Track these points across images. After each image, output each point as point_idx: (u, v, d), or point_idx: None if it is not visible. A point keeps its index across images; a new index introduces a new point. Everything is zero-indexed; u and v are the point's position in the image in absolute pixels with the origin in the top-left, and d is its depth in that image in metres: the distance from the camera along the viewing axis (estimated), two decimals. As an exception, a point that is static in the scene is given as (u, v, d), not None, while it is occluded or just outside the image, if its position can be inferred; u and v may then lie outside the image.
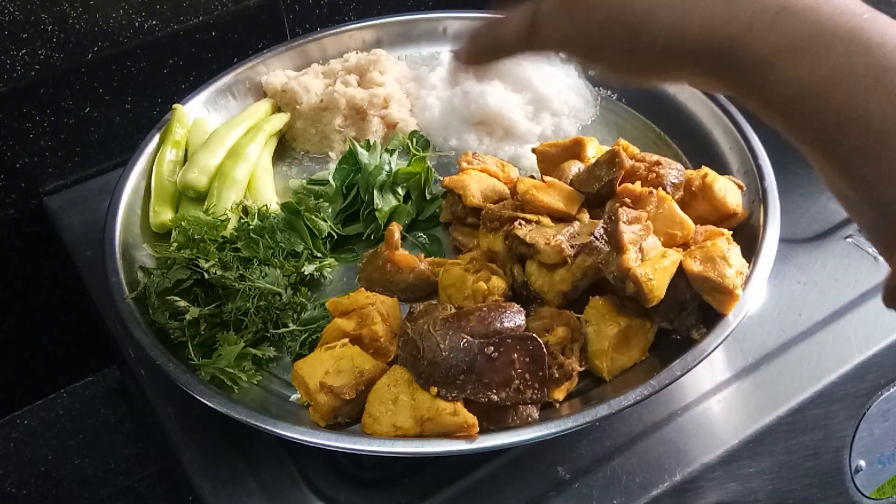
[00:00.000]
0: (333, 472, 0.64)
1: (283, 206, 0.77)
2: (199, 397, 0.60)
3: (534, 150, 0.78)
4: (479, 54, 0.53)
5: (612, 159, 0.70)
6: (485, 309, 0.60)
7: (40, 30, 0.82)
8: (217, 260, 0.69)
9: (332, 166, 0.84)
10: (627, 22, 0.41)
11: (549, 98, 0.88)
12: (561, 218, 0.69)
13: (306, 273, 0.73)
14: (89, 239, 0.85)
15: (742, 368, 0.70)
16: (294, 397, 0.64)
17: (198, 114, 0.87)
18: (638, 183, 0.69)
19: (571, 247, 0.63)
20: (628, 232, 0.61)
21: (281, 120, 0.88)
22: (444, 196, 0.79)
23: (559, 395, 0.60)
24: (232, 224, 0.74)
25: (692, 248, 0.63)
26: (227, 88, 0.90)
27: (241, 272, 0.69)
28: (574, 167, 0.73)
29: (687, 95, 0.86)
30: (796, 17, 0.36)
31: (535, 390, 0.57)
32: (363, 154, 0.81)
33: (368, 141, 0.85)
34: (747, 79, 0.38)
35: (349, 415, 0.61)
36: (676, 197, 0.69)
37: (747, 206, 0.72)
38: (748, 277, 0.64)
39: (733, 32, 0.37)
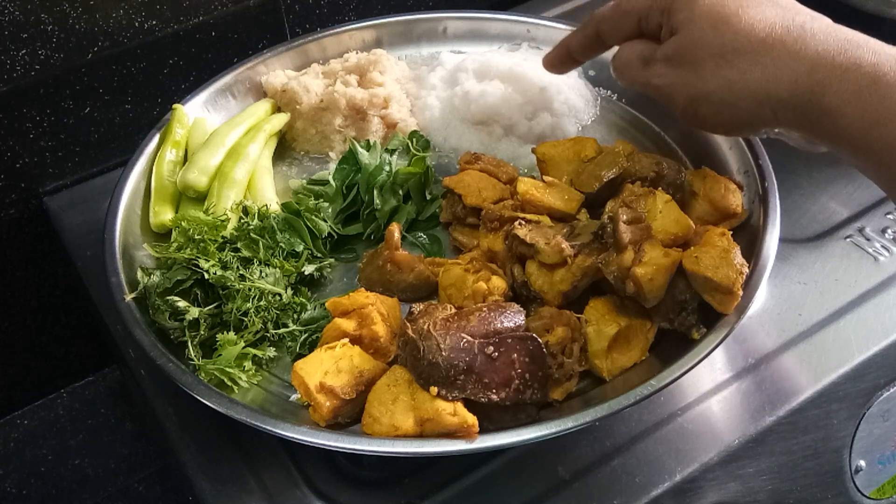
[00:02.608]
0: (333, 472, 0.64)
1: (283, 206, 0.77)
2: (199, 397, 0.60)
3: (534, 150, 0.78)
4: (581, 48, 0.66)
5: (612, 159, 0.70)
6: (485, 309, 0.60)
7: (40, 30, 0.82)
8: (217, 260, 0.69)
9: (332, 166, 0.84)
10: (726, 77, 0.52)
11: (549, 98, 0.88)
12: (561, 218, 0.69)
13: (306, 273, 0.73)
14: (89, 239, 0.85)
15: (742, 368, 0.70)
16: (294, 397, 0.64)
17: (198, 114, 0.87)
18: (638, 183, 0.69)
19: (571, 247, 0.63)
20: (628, 232, 0.61)
21: (281, 120, 0.88)
22: (444, 196, 0.79)
23: (559, 395, 0.60)
24: (232, 224, 0.74)
25: (692, 248, 0.63)
26: (227, 88, 0.90)
27: (241, 272, 0.69)
28: (574, 167, 0.74)
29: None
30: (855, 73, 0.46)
31: (535, 390, 0.57)
32: (363, 154, 0.81)
33: (368, 141, 0.85)
34: (821, 123, 0.47)
35: (349, 415, 0.61)
36: (676, 197, 0.69)
37: (747, 206, 0.72)
38: (748, 277, 0.64)
39: (811, 87, 0.48)
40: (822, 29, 0.49)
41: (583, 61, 0.70)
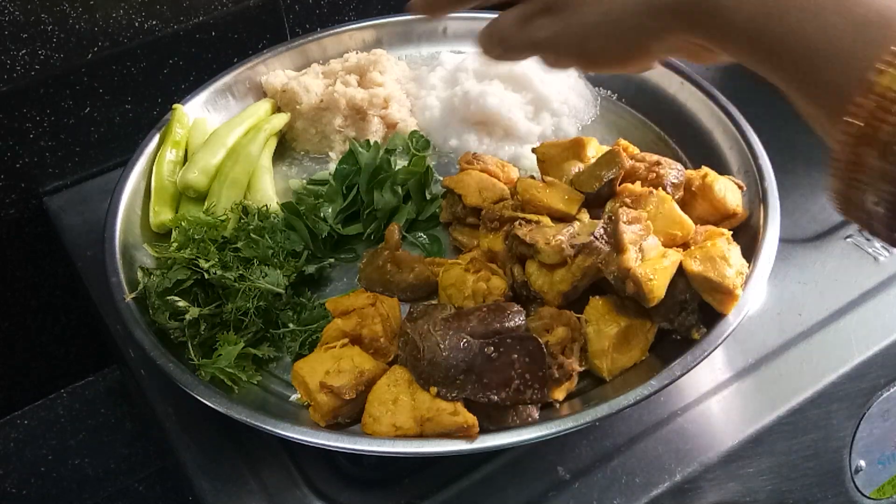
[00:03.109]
0: (333, 472, 0.64)
1: (283, 206, 0.77)
2: (199, 397, 0.60)
3: (534, 150, 0.78)
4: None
5: (612, 159, 0.70)
6: (485, 309, 0.60)
7: (40, 30, 0.82)
8: (217, 260, 0.69)
9: (332, 166, 0.84)
10: None
11: (549, 98, 0.88)
12: (561, 218, 0.69)
13: (306, 273, 0.73)
14: (89, 239, 0.85)
15: (742, 368, 0.70)
16: (294, 397, 0.64)
17: (198, 114, 0.87)
18: (638, 183, 0.69)
19: (571, 247, 0.63)
20: (628, 232, 0.61)
21: (281, 120, 0.88)
22: (444, 196, 0.79)
23: (559, 395, 0.60)
24: (232, 224, 0.74)
25: (692, 248, 0.63)
26: (227, 88, 0.90)
27: (241, 272, 0.69)
28: (574, 167, 0.74)
29: (687, 95, 0.86)
30: None
31: (535, 390, 0.57)
32: (363, 154, 0.81)
33: (368, 141, 0.85)
34: (714, 23, 0.44)
35: (349, 415, 0.61)
36: (676, 197, 0.69)
37: (747, 206, 0.72)
38: (748, 277, 0.64)
39: None
40: None
41: (451, 11, 0.64)
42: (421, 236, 0.79)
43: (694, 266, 0.61)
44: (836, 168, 0.37)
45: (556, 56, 0.56)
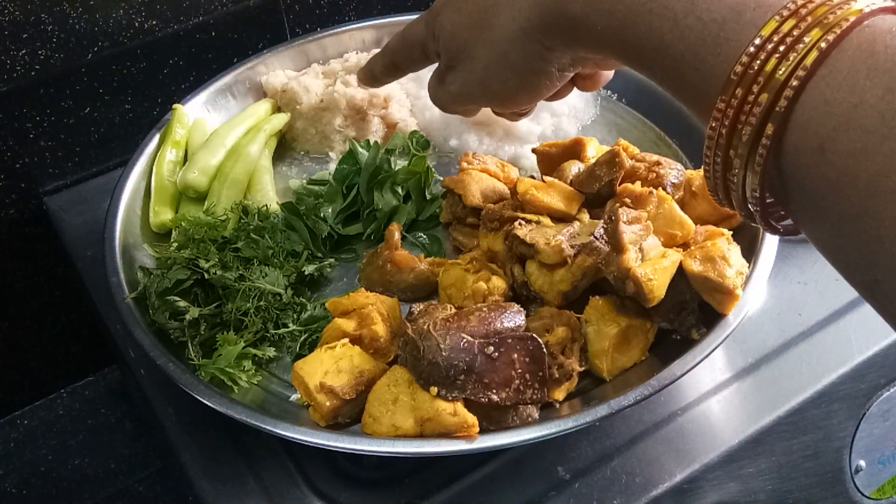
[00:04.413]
0: (333, 472, 0.64)
1: (283, 206, 0.77)
2: (199, 397, 0.60)
3: (534, 150, 0.78)
4: (383, 72, 0.66)
5: (612, 159, 0.70)
6: (485, 309, 0.60)
7: (40, 30, 0.82)
8: (217, 260, 0.69)
9: (332, 166, 0.84)
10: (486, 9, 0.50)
11: (549, 98, 0.88)
12: (561, 218, 0.69)
13: (306, 273, 0.73)
14: (89, 239, 0.85)
15: (742, 368, 0.70)
16: (294, 397, 0.64)
17: (198, 114, 0.87)
18: (638, 183, 0.69)
19: (571, 247, 0.63)
20: (628, 232, 0.61)
21: (281, 120, 0.88)
22: (444, 196, 0.79)
23: (559, 395, 0.60)
24: (232, 224, 0.74)
25: (692, 248, 0.63)
26: (227, 88, 0.90)
27: (241, 272, 0.69)
28: (574, 167, 0.73)
29: (687, 95, 0.85)
30: None
31: (535, 390, 0.57)
32: (363, 154, 0.81)
33: (368, 141, 0.85)
34: (584, 38, 0.45)
35: (349, 415, 0.61)
36: (676, 197, 0.69)
37: (747, 206, 0.72)
38: (748, 277, 0.64)
39: (552, 3, 0.45)
40: None
41: (390, 82, 0.72)
42: (421, 236, 0.79)
43: (694, 266, 0.61)
44: (707, 166, 0.37)
45: (474, 103, 0.59)
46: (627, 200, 0.67)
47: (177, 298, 0.67)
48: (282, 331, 0.69)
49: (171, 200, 0.80)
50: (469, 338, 0.57)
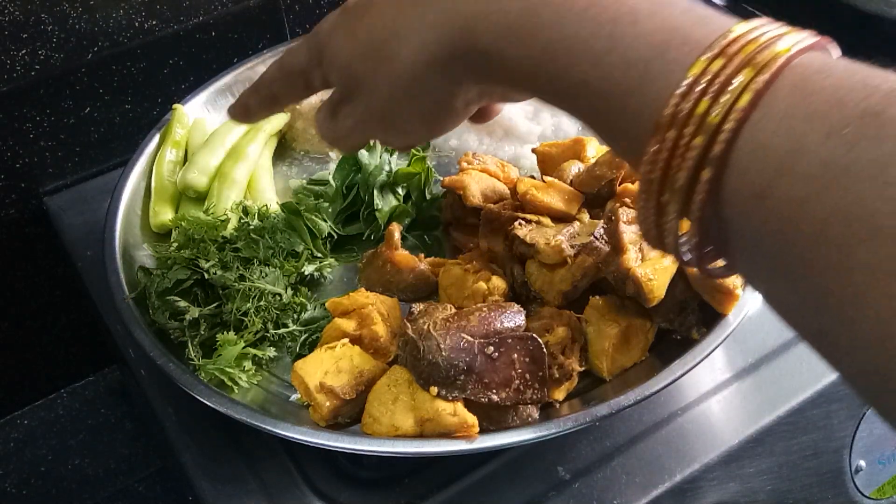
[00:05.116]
0: (333, 472, 0.64)
1: (283, 206, 0.77)
2: (199, 397, 0.60)
3: (534, 150, 0.78)
4: (257, 103, 0.59)
5: (612, 159, 0.70)
6: (485, 309, 0.60)
7: (40, 30, 0.82)
8: (217, 260, 0.69)
9: (332, 166, 0.84)
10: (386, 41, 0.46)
11: (549, 98, 0.88)
12: (561, 218, 0.69)
13: (306, 273, 0.73)
14: (89, 239, 0.85)
15: (742, 368, 0.70)
16: (294, 397, 0.64)
17: (198, 114, 0.87)
18: (638, 183, 0.69)
19: (571, 247, 0.63)
20: (628, 232, 0.61)
21: (281, 120, 0.88)
22: (444, 196, 0.79)
23: (559, 395, 0.60)
24: (232, 224, 0.74)
25: (692, 248, 0.63)
26: (227, 88, 0.90)
27: (241, 272, 0.69)
28: (574, 167, 0.73)
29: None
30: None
31: (535, 390, 0.57)
32: (363, 154, 0.81)
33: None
34: (495, 72, 0.41)
35: (349, 415, 0.61)
36: (676, 197, 0.68)
37: (747, 206, 0.72)
38: (748, 277, 0.63)
39: (457, 35, 0.41)
40: None
41: (268, 116, 0.66)
42: (421, 236, 0.79)
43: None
44: (640, 211, 0.35)
45: (371, 138, 0.55)
46: (627, 200, 0.67)
47: (177, 298, 0.67)
48: (282, 331, 0.69)
49: (171, 200, 0.80)
50: (469, 338, 0.57)
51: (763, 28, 0.32)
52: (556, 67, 0.37)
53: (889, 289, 0.26)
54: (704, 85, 0.31)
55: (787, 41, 0.31)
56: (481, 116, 0.56)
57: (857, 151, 0.27)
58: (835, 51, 0.33)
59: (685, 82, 0.31)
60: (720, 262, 0.35)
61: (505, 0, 0.39)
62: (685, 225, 0.33)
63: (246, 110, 0.60)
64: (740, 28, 0.32)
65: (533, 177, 0.76)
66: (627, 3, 0.35)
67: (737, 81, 0.30)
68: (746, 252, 0.32)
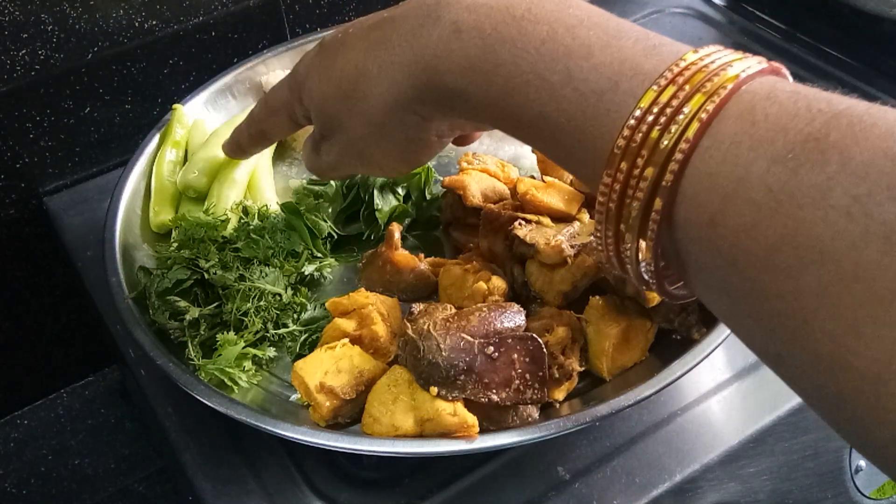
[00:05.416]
0: (333, 472, 0.64)
1: (283, 206, 0.77)
2: (199, 397, 0.60)
3: (534, 150, 0.78)
4: (250, 143, 0.63)
5: (612, 159, 0.70)
6: (485, 309, 0.60)
7: (40, 30, 0.82)
8: (217, 260, 0.69)
9: (332, 166, 0.84)
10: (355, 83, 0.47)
11: (549, 98, 0.88)
12: (561, 218, 0.69)
13: (306, 273, 0.73)
14: (89, 239, 0.85)
15: (742, 368, 0.70)
16: (294, 397, 0.64)
17: (198, 114, 0.87)
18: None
19: (571, 247, 0.63)
20: (628, 232, 0.61)
21: (281, 120, 0.88)
22: (444, 196, 0.79)
23: (559, 395, 0.60)
24: (232, 224, 0.74)
25: (692, 248, 0.63)
26: (227, 88, 0.90)
27: (241, 272, 0.69)
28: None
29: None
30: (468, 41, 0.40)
31: (535, 390, 0.57)
32: (363, 154, 0.81)
33: (368, 141, 0.85)
34: (460, 108, 0.42)
35: (349, 415, 0.61)
36: (676, 197, 0.68)
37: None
38: (748, 277, 0.64)
39: (422, 74, 0.43)
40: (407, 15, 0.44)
41: (259, 151, 0.70)
42: (421, 236, 0.79)
43: (694, 266, 0.61)
44: (599, 239, 0.36)
45: (354, 172, 0.57)
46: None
47: (177, 298, 0.67)
48: (282, 331, 0.69)
49: (171, 200, 0.80)
50: (469, 338, 0.57)
51: (714, 55, 0.33)
52: (515, 102, 0.38)
53: (837, 311, 0.26)
54: (654, 115, 0.31)
55: (736, 68, 0.32)
56: (462, 140, 0.58)
57: (800, 177, 0.27)
58: (786, 75, 0.33)
59: (635, 114, 0.32)
60: (681, 286, 0.35)
61: (465, 40, 0.40)
62: (645, 249, 0.33)
63: (238, 146, 0.64)
64: (691, 57, 0.33)
65: (533, 177, 0.76)
66: (581, 36, 0.36)
67: (686, 111, 0.31)
68: (702, 277, 0.32)
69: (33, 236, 0.96)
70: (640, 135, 0.32)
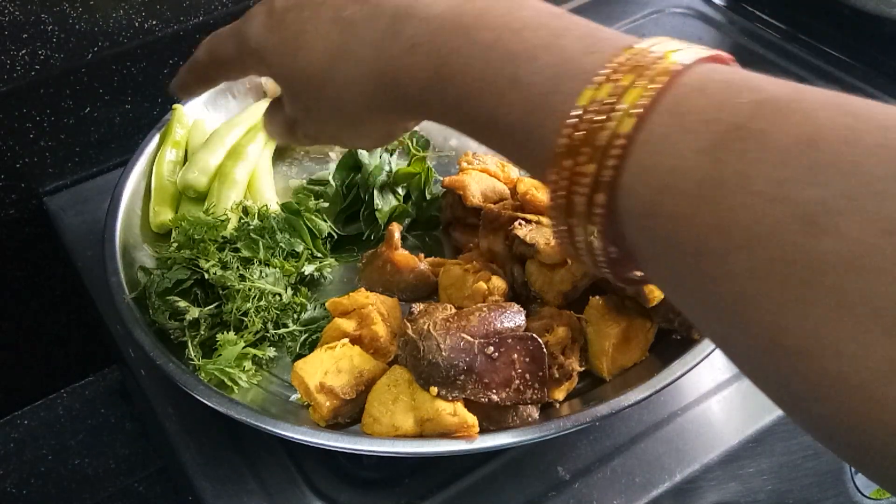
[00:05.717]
0: (333, 472, 0.64)
1: (283, 206, 0.77)
2: (199, 397, 0.60)
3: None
4: (194, 81, 0.60)
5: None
6: (485, 309, 0.60)
7: (40, 30, 0.82)
8: (217, 260, 0.69)
9: (332, 166, 0.84)
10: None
11: (549, 98, 0.88)
12: (561, 218, 0.69)
13: (306, 273, 0.73)
14: (89, 239, 0.85)
15: (742, 368, 0.70)
16: (294, 397, 0.64)
17: (198, 114, 0.87)
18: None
19: (571, 247, 0.63)
20: (628, 232, 0.61)
21: (281, 120, 0.88)
22: (444, 196, 0.79)
23: (559, 395, 0.60)
24: (232, 224, 0.74)
25: (692, 248, 0.63)
26: (227, 88, 0.90)
27: (241, 272, 0.69)
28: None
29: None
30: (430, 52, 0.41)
31: (535, 390, 0.57)
32: (363, 154, 0.81)
33: (368, 141, 0.85)
34: (415, 109, 0.43)
35: (349, 415, 0.61)
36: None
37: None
38: (748, 277, 0.64)
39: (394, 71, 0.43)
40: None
41: (204, 92, 0.68)
42: (421, 236, 0.79)
43: (694, 266, 0.61)
44: (555, 232, 0.37)
45: (330, 143, 0.58)
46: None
47: (177, 298, 0.67)
48: (282, 331, 0.69)
49: (171, 200, 0.80)
50: (469, 338, 0.57)
51: (651, 49, 0.33)
52: (470, 108, 0.39)
53: (766, 292, 0.27)
54: (592, 113, 0.32)
55: (671, 60, 0.32)
56: None
57: (725, 165, 0.29)
58: (726, 61, 0.34)
59: (575, 112, 0.33)
60: (637, 272, 0.37)
61: (420, 55, 0.41)
62: (595, 241, 0.35)
63: (184, 86, 0.62)
64: (627, 52, 0.34)
65: (533, 177, 0.76)
66: (527, 39, 0.37)
67: (621, 107, 0.32)
68: (649, 265, 0.34)
69: (33, 236, 0.96)
70: (581, 133, 0.33)
